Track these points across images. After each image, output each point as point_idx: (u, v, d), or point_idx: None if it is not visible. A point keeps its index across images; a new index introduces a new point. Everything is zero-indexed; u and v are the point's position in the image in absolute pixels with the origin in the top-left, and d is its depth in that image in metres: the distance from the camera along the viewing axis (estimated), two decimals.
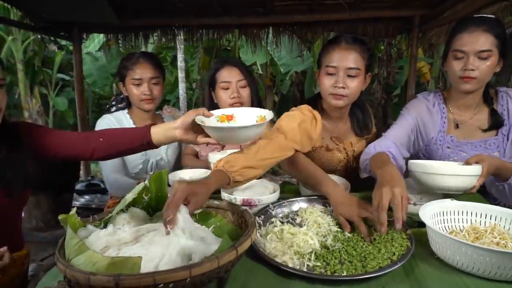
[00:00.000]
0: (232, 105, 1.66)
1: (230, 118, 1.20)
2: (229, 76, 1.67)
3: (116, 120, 1.76)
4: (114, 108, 1.93)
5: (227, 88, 1.67)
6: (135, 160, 1.76)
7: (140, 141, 1.19)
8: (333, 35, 3.68)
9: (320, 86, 1.47)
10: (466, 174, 1.15)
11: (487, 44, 1.30)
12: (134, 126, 1.77)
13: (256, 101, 1.76)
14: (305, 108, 1.37)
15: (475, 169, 1.15)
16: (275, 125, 1.32)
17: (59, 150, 1.22)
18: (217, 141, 1.14)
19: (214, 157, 1.47)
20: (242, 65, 1.75)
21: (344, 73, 1.38)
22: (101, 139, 1.22)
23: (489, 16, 1.36)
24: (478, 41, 1.30)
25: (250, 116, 1.19)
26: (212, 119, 1.15)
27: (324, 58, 1.44)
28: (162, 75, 1.80)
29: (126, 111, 1.83)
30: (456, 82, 1.40)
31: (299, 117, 1.32)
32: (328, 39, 1.61)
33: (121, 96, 1.98)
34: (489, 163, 1.19)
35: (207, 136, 1.14)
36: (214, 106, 1.75)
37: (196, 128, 1.15)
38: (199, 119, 1.11)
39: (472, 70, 1.32)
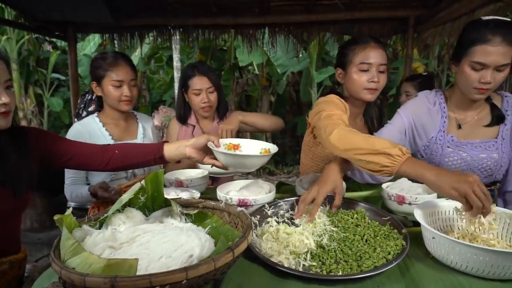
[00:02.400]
0: (203, 109, 1.94)
1: (236, 147, 1.36)
2: (200, 84, 1.91)
3: (84, 128, 1.71)
4: (84, 113, 1.89)
5: (199, 94, 1.92)
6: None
7: (153, 155, 1.29)
8: (329, 36, 3.71)
9: (351, 83, 1.58)
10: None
11: (508, 58, 1.25)
12: (104, 129, 1.74)
13: (222, 102, 2.04)
14: (334, 96, 1.55)
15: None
16: (322, 112, 1.41)
17: (72, 158, 1.27)
18: (224, 165, 1.25)
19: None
20: (211, 73, 1.96)
21: (376, 68, 1.53)
22: (117, 151, 1.30)
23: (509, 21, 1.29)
24: (501, 54, 1.25)
25: (255, 147, 1.35)
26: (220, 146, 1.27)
27: (355, 57, 1.56)
28: (137, 76, 1.81)
29: (95, 114, 1.78)
30: (468, 91, 1.36)
31: (338, 104, 1.49)
32: (352, 38, 1.67)
33: (88, 97, 1.93)
34: None
35: (214, 158, 1.27)
36: (186, 105, 2.03)
37: (205, 150, 1.28)
38: (211, 145, 1.24)
39: (489, 83, 1.29)
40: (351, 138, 1.16)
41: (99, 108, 1.83)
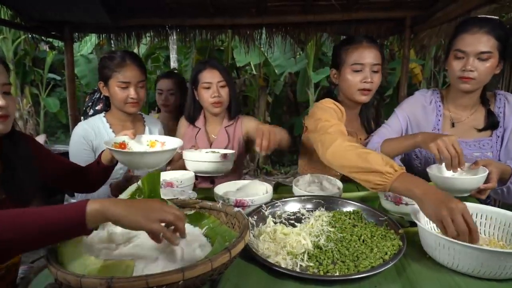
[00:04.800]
0: (213, 104, 1.84)
1: (123, 146, 1.34)
2: (210, 77, 1.83)
3: (91, 127, 1.69)
4: (91, 111, 1.86)
5: (209, 88, 1.83)
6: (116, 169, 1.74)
7: (95, 162, 1.38)
8: (326, 36, 3.72)
9: (345, 84, 1.58)
10: (472, 176, 1.21)
11: (488, 46, 1.31)
12: (111, 130, 1.71)
13: (234, 100, 1.94)
14: (330, 101, 1.53)
15: (481, 172, 1.21)
16: (319, 121, 1.40)
17: (60, 176, 1.34)
18: (123, 164, 1.27)
19: (188, 155, 1.60)
20: (222, 67, 1.89)
21: (370, 68, 1.52)
22: (88, 169, 1.40)
23: (493, 17, 1.35)
24: (480, 42, 1.31)
25: (142, 142, 1.36)
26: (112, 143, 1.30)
27: (348, 57, 1.55)
28: (146, 77, 1.76)
29: (103, 114, 1.75)
30: (455, 82, 1.42)
31: (334, 110, 1.49)
32: (346, 38, 1.67)
33: (97, 96, 1.88)
34: (497, 168, 1.23)
35: None
36: (195, 104, 1.94)
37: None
38: (108, 143, 1.26)
39: (471, 71, 1.33)
40: (345, 155, 1.17)
41: (107, 107, 1.80)
